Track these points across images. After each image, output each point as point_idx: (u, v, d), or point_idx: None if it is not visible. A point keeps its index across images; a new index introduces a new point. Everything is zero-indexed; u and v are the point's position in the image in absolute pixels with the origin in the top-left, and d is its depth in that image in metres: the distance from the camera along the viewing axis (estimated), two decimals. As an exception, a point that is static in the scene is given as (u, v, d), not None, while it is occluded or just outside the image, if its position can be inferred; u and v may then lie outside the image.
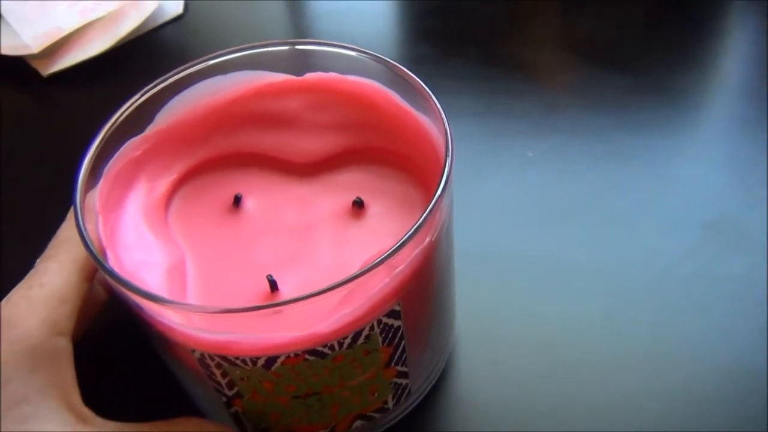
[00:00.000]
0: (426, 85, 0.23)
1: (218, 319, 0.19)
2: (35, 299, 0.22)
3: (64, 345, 0.22)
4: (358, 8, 0.45)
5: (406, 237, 0.19)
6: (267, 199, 0.25)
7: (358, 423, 0.24)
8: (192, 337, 0.20)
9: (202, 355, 0.20)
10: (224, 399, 0.22)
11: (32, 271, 0.23)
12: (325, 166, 0.26)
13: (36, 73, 0.42)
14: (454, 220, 0.25)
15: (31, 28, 0.43)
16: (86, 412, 0.22)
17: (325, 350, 0.20)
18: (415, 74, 0.24)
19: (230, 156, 0.26)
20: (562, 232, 0.32)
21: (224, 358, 0.20)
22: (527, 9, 0.44)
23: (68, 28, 0.42)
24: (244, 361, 0.20)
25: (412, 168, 0.25)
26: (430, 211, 0.20)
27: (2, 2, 0.44)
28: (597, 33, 0.41)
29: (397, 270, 0.20)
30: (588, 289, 0.29)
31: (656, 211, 0.32)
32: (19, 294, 0.22)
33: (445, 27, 0.42)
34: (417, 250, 0.20)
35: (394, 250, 0.19)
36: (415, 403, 0.26)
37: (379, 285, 0.19)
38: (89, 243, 0.20)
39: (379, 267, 0.19)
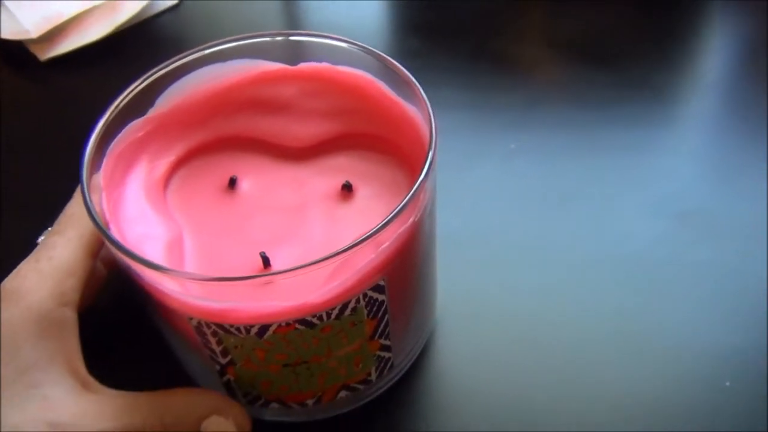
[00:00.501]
0: (415, 77, 0.25)
1: (214, 287, 0.20)
2: (44, 271, 0.23)
3: (70, 316, 0.23)
4: (349, 1, 0.46)
5: (391, 216, 0.21)
6: (262, 181, 0.26)
7: (343, 393, 0.25)
8: (189, 305, 0.21)
9: (198, 323, 0.21)
10: (218, 367, 0.23)
11: (40, 246, 0.24)
12: (317, 150, 0.27)
13: (34, 58, 0.43)
14: (441, 206, 0.26)
15: (31, 13, 0.43)
16: (90, 379, 0.23)
17: (314, 320, 0.21)
18: (404, 67, 0.25)
19: (228, 139, 0.27)
20: (542, 218, 0.33)
21: (220, 326, 0.21)
22: (513, 5, 0.45)
23: (68, 14, 0.43)
24: (238, 329, 0.21)
25: (399, 154, 0.26)
26: (414, 192, 0.21)
27: None
28: (580, 30, 0.43)
29: (383, 247, 0.21)
30: (565, 272, 0.31)
31: (633, 200, 0.34)
32: (28, 266, 0.23)
33: (435, 22, 0.44)
34: (401, 229, 0.22)
35: (380, 227, 0.20)
36: (397, 378, 0.28)
37: (366, 260, 0.21)
38: (95, 216, 0.21)
39: (366, 243, 0.20)
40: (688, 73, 0.41)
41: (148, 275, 0.21)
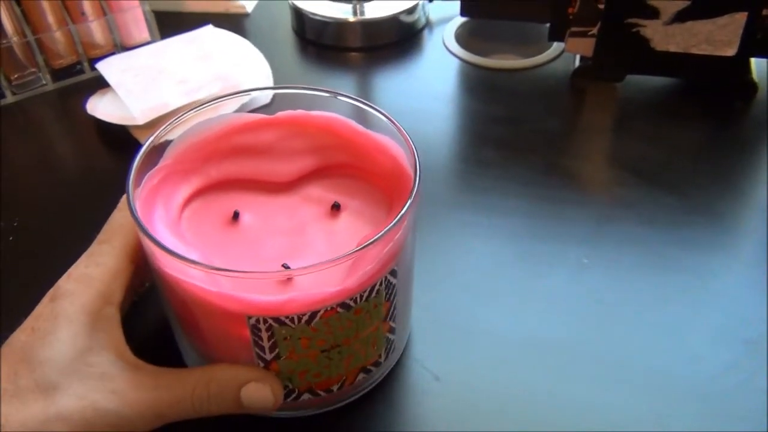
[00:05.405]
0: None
1: (274, 281, 0.25)
2: (93, 275, 0.27)
3: (115, 312, 0.27)
4: (427, 109, 0.50)
5: (401, 215, 0.26)
6: (259, 212, 0.31)
7: (360, 376, 0.30)
8: (249, 303, 0.25)
9: (257, 320, 0.25)
10: (261, 364, 0.27)
11: (90, 251, 0.28)
12: (300, 182, 0.32)
13: (135, 141, 0.46)
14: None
15: (140, 102, 0.46)
16: (139, 361, 0.27)
17: (351, 303, 0.26)
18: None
19: (222, 182, 0.32)
20: (612, 333, 0.34)
21: (276, 319, 0.25)
22: (584, 126, 0.49)
23: (174, 105, 0.46)
24: (292, 319, 0.26)
25: (371, 175, 0.32)
26: (413, 195, 0.27)
27: (114, 76, 0.48)
28: (648, 154, 0.45)
29: (397, 236, 0.27)
30: (633, 391, 0.32)
31: (701, 323, 0.35)
32: (78, 271, 0.28)
33: (508, 137, 0.47)
34: (402, 228, 0.27)
35: (394, 223, 0.26)
36: (394, 363, 0.33)
37: (387, 248, 0.26)
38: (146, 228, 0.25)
39: (388, 233, 0.26)
40: (753, 203, 0.42)
41: (208, 283, 0.25)
